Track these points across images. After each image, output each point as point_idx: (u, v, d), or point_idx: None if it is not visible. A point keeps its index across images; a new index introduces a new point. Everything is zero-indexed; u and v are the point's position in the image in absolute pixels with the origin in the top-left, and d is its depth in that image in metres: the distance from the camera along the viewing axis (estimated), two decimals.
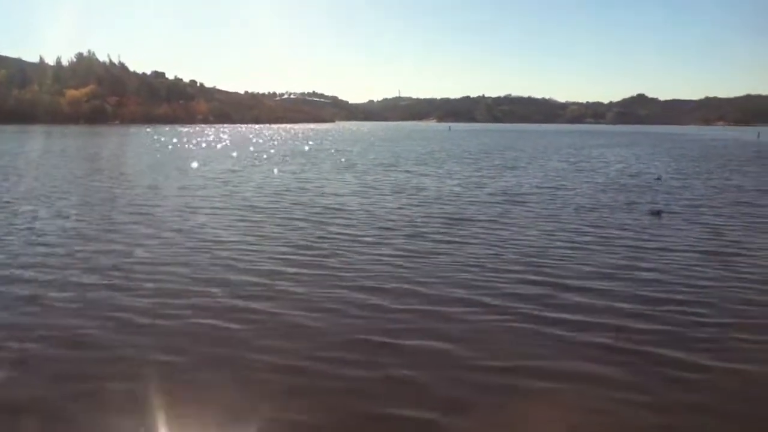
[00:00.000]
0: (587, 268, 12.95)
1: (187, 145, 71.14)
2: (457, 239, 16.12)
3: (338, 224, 18.26)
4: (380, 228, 17.61)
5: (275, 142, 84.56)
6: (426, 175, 35.31)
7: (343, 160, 49.19)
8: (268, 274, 12.29)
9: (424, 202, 23.20)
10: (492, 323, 9.56)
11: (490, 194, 26.23)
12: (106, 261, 13.18)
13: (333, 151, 63.50)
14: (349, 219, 19.27)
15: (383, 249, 14.77)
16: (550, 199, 24.68)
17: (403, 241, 15.81)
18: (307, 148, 69.46)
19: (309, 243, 15.42)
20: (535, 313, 9.98)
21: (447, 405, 6.85)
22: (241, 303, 10.36)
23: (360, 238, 16.04)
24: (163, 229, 16.90)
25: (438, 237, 16.32)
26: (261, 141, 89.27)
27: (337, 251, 14.42)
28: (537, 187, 29.33)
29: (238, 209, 21.05)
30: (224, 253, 14.02)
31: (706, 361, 8.05)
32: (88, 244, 14.90)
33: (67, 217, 18.96)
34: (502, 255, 14.36)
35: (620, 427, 6.50)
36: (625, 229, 17.82)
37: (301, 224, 18.26)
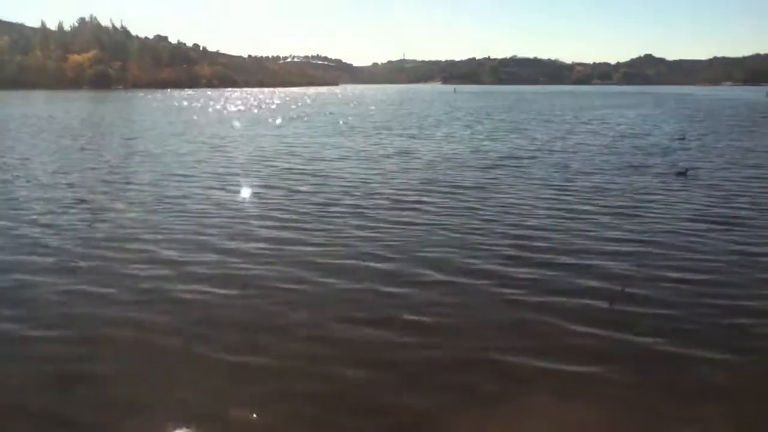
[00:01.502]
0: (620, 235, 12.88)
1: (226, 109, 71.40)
2: (451, 207, 15.61)
3: (311, 191, 17.82)
4: (365, 195, 17.10)
5: (295, 106, 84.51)
6: (420, 138, 34.85)
7: (341, 122, 49.38)
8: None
9: (411, 168, 22.62)
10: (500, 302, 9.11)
11: (499, 157, 26.51)
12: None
13: (331, 114, 63.47)
14: (331, 185, 18.78)
15: (364, 220, 14.11)
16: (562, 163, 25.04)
17: (386, 211, 15.20)
18: (300, 112, 69.34)
19: (283, 211, 15.08)
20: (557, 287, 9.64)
21: (428, 397, 6.50)
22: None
23: (339, 207, 15.52)
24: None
25: (425, 205, 15.78)
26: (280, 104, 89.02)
27: (309, 221, 13.99)
28: (555, 150, 29.67)
29: (210, 178, 20.33)
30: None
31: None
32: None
33: None
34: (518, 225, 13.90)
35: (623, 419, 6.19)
36: (653, 193, 17.69)
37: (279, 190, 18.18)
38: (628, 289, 9.56)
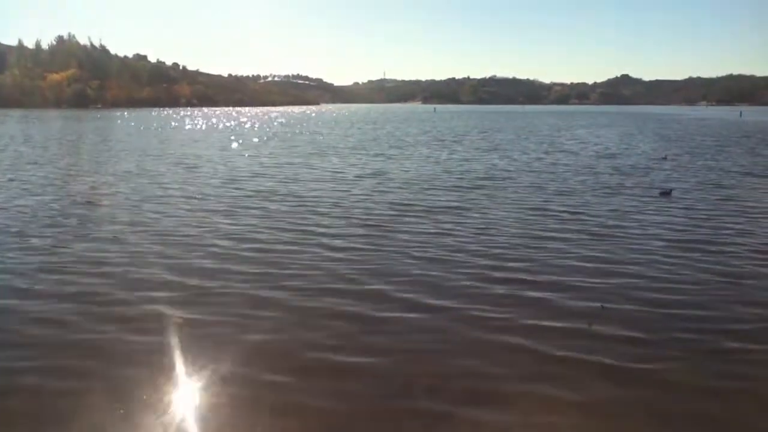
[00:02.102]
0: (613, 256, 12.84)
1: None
2: (424, 230, 15.28)
3: (282, 213, 17.47)
4: (340, 218, 16.65)
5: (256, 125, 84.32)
6: (396, 159, 34.58)
7: (318, 142, 49.37)
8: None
9: (385, 190, 22.11)
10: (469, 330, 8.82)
11: (477, 178, 26.55)
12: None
13: (309, 134, 63.36)
14: (304, 207, 18.44)
15: (338, 241, 13.88)
16: (539, 182, 25.15)
17: (360, 233, 14.84)
18: (277, 132, 69.19)
19: (250, 233, 14.87)
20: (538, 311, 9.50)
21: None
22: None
23: (310, 229, 15.19)
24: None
25: (398, 227, 15.47)
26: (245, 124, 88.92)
27: (279, 244, 13.71)
28: (534, 169, 29.73)
29: (184, 199, 19.90)
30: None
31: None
32: None
33: None
34: (487, 245, 14.01)
35: None
36: (640, 212, 17.71)
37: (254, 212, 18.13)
38: (606, 309, 9.57)
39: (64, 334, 8.55)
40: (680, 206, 18.81)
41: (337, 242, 13.81)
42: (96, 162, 31.71)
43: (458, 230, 15.19)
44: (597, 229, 15.37)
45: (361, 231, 15.05)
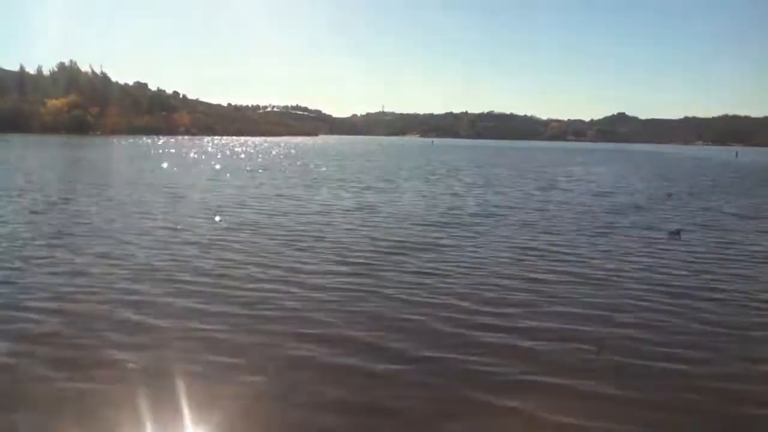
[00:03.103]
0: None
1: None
2: (409, 268, 14.61)
3: (266, 246, 16.94)
4: (321, 255, 15.91)
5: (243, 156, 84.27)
6: (386, 192, 34.17)
7: (310, 173, 49.20)
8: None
9: (373, 225, 21.59)
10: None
11: (469, 214, 26.33)
12: None
13: (302, 165, 63.29)
14: (286, 242, 17.82)
15: (317, 281, 13.23)
16: (532, 219, 24.79)
17: (342, 270, 14.22)
18: (270, 162, 69.15)
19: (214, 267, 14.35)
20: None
21: None
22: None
23: (290, 266, 14.52)
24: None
25: (380, 265, 14.87)
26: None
27: (257, 281, 13.10)
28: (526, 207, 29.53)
29: (162, 230, 19.29)
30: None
31: None
32: None
33: None
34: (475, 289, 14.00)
35: None
36: (646, 255, 17.13)
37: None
38: (601, 354, 9.29)
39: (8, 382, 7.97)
40: (689, 248, 18.42)
41: (316, 281, 13.16)
42: (81, 189, 31.26)
43: (444, 270, 14.52)
44: (596, 272, 14.68)
45: (342, 269, 14.40)
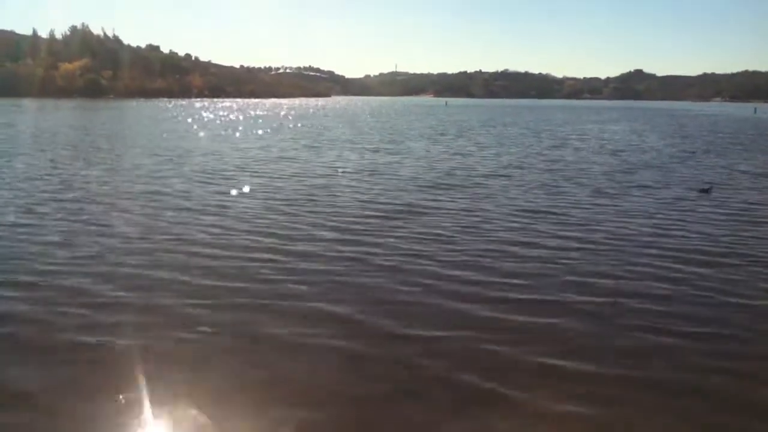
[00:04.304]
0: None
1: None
2: (414, 232, 14.36)
3: (254, 210, 16.75)
4: (310, 219, 15.53)
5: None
6: (391, 153, 33.91)
7: (321, 131, 48.78)
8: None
9: (371, 187, 21.15)
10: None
11: (476, 175, 25.72)
12: None
13: (312, 126, 62.83)
14: (275, 206, 17.38)
15: (301, 247, 12.76)
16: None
17: (329, 237, 13.66)
18: (280, 124, 68.92)
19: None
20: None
21: None
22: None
23: (273, 232, 14.08)
24: None
25: (373, 230, 14.33)
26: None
27: (238, 249, 12.63)
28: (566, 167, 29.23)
29: (151, 195, 18.99)
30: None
31: None
32: None
33: None
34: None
35: None
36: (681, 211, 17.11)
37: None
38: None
39: None
40: (719, 205, 18.37)
41: (304, 248, 12.70)
42: (84, 155, 30.97)
43: (447, 235, 14.01)
44: (609, 238, 14.24)
45: (330, 235, 13.87)
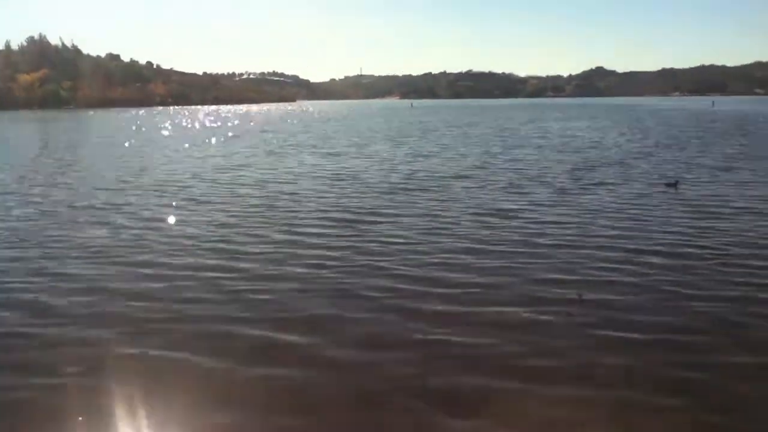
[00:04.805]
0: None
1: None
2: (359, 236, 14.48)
3: (196, 217, 16.60)
4: (255, 228, 15.20)
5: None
6: (348, 156, 33.80)
7: (282, 136, 48.80)
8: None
9: (323, 192, 20.85)
10: None
11: (435, 177, 25.47)
12: None
13: (274, 132, 62.24)
14: (220, 214, 17.20)
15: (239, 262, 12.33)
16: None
17: (272, 241, 13.71)
18: (242, 130, 68.19)
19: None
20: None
21: None
22: None
23: (214, 247, 13.50)
24: None
25: (320, 240, 13.95)
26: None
27: (172, 254, 12.74)
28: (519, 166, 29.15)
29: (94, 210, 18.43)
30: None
31: None
32: None
33: None
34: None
35: None
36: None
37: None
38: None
39: None
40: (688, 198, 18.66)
41: (248, 264, 12.23)
42: (35, 166, 30.25)
43: (398, 243, 13.62)
44: (567, 232, 14.01)
45: (282, 249, 13.31)
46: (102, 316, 9.45)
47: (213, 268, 11.89)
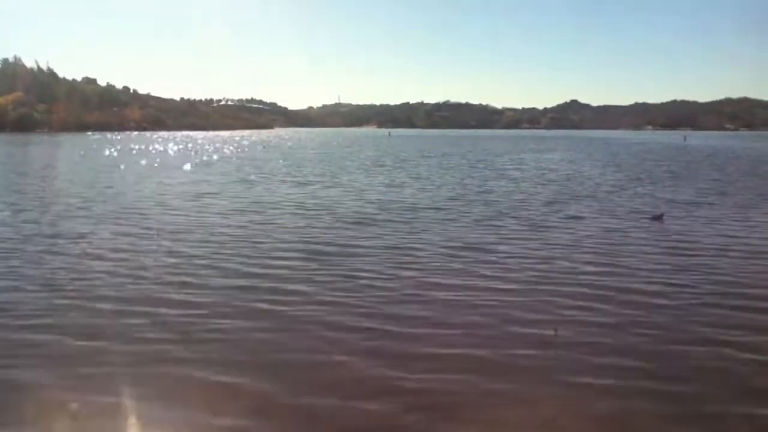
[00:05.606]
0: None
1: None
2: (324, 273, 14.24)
3: (154, 247, 15.98)
4: (210, 263, 14.42)
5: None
6: (316, 186, 33.18)
7: (254, 164, 47.93)
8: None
9: (289, 226, 19.93)
10: None
11: (404, 208, 25.03)
12: None
13: (248, 159, 61.75)
14: (179, 245, 16.32)
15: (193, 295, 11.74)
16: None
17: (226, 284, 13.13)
18: (216, 157, 67.55)
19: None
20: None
21: None
22: None
23: (164, 278, 12.85)
24: None
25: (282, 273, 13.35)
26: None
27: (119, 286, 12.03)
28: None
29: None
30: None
31: None
32: None
33: None
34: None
35: None
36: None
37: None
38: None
39: None
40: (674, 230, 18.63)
41: (203, 298, 11.53)
42: None
43: (362, 279, 12.97)
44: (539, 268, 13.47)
45: (240, 282, 12.69)
46: (41, 357, 8.69)
47: (166, 303, 11.17)
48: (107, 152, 71.65)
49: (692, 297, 11.59)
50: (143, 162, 54.41)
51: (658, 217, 20.79)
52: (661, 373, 8.15)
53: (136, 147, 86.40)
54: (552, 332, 9.29)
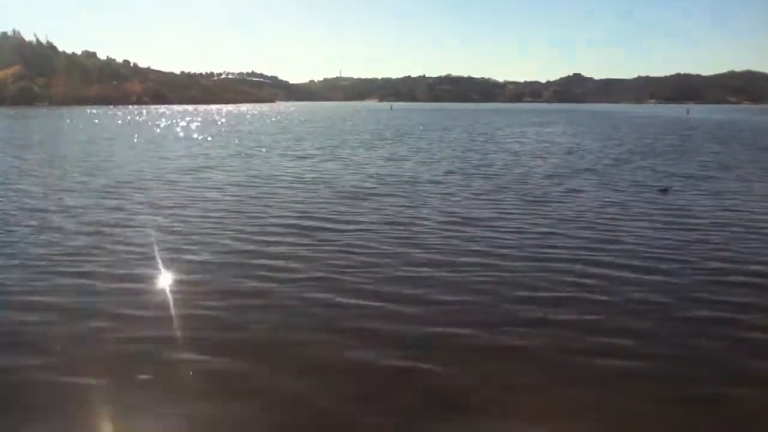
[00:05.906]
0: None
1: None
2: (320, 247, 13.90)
3: (156, 228, 15.42)
4: (196, 238, 13.98)
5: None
6: (314, 160, 32.87)
7: (255, 137, 47.35)
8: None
9: (281, 200, 19.60)
10: None
11: (404, 181, 24.66)
12: None
13: (248, 132, 61.24)
14: (166, 221, 15.82)
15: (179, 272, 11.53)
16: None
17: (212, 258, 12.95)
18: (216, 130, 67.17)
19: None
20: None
21: None
22: None
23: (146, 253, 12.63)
24: None
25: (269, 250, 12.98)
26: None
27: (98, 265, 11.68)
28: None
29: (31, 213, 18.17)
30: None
31: None
32: None
33: None
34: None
35: None
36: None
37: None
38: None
39: None
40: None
41: (192, 276, 11.26)
42: None
43: (358, 254, 12.70)
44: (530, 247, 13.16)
45: (233, 257, 12.42)
46: (32, 334, 8.51)
47: (156, 281, 10.97)
48: (103, 124, 71.09)
49: (694, 273, 11.33)
50: (143, 135, 53.75)
51: (664, 190, 20.74)
52: (656, 353, 7.92)
53: (137, 119, 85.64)
54: (542, 315, 9.08)
